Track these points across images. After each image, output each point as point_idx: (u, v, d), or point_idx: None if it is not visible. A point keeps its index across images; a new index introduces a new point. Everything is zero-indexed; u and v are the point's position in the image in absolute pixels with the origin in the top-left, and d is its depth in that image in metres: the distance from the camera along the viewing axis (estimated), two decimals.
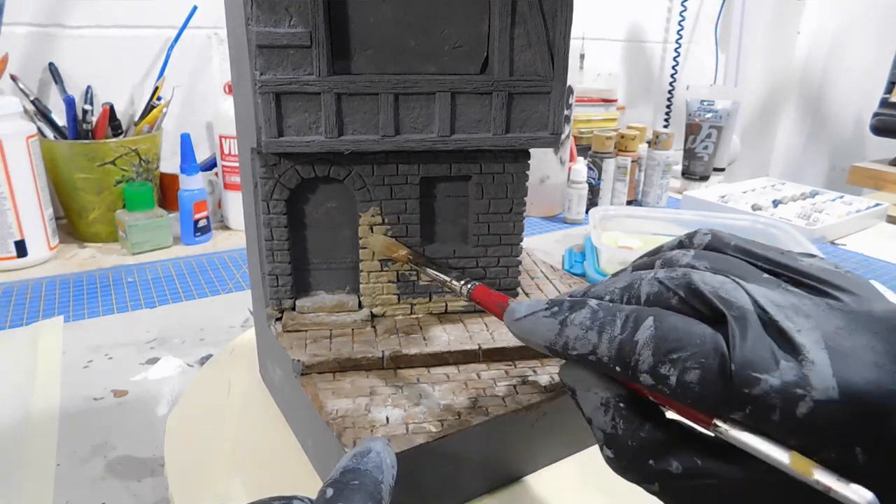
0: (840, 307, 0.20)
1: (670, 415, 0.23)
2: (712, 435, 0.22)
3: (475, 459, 0.34)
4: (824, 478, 0.18)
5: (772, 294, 0.21)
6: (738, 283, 0.21)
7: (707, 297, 0.21)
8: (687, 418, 0.21)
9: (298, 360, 0.37)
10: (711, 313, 0.21)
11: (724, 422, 0.20)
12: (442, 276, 0.36)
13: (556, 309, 0.24)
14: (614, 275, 0.26)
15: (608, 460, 0.23)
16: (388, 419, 0.33)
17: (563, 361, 0.26)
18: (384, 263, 0.41)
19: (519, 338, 0.25)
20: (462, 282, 0.34)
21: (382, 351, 0.38)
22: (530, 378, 0.38)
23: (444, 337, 0.40)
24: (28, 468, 0.39)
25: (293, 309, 0.41)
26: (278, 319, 0.41)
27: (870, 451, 0.18)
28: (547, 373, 0.38)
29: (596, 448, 0.40)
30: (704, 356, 0.20)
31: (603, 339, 0.22)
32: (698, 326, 0.20)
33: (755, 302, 0.20)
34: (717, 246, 0.25)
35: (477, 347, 0.39)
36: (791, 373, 0.18)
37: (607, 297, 0.24)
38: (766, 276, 0.22)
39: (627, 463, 0.23)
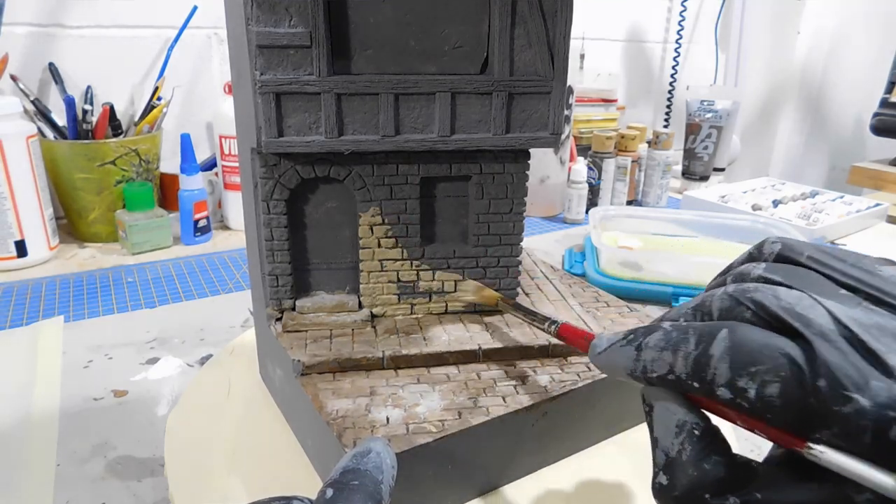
0: None
1: (737, 449, 0.22)
2: (766, 461, 0.21)
3: (475, 459, 0.34)
4: None
5: (853, 312, 0.20)
6: (815, 299, 0.20)
7: (780, 314, 0.20)
8: (771, 439, 0.21)
9: (298, 361, 0.37)
10: (787, 329, 0.20)
11: (817, 443, 0.19)
12: (529, 317, 0.38)
13: (631, 337, 0.24)
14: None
15: (659, 489, 0.22)
16: (388, 419, 0.33)
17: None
18: (384, 263, 0.41)
19: (603, 371, 0.26)
20: (546, 323, 0.36)
21: (383, 351, 0.38)
22: (530, 378, 0.38)
23: (445, 337, 0.40)
24: (28, 468, 0.39)
25: (293, 309, 0.41)
26: (278, 319, 0.41)
27: None
28: (547, 373, 0.38)
29: (596, 448, 0.40)
30: (784, 369, 0.19)
31: (678, 356, 0.22)
32: (775, 339, 0.20)
33: (837, 320, 0.20)
34: (787, 255, 0.24)
35: (477, 347, 0.39)
36: (884, 394, 0.18)
37: (681, 319, 0.24)
38: (843, 291, 0.21)
39: (681, 493, 0.22)
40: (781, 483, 0.21)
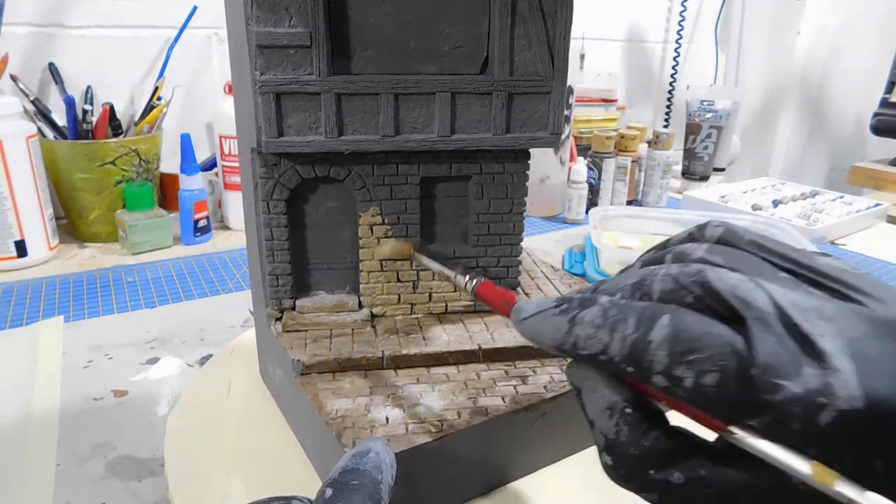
0: (865, 312, 0.19)
1: (675, 423, 0.22)
2: (716, 440, 0.21)
3: (475, 459, 0.35)
4: (847, 489, 0.17)
5: (792, 295, 0.20)
6: (756, 282, 0.20)
7: (724, 296, 0.20)
8: (698, 422, 0.21)
9: (298, 360, 0.37)
10: (728, 313, 0.20)
11: (742, 429, 0.19)
12: (446, 270, 0.35)
13: (565, 307, 0.23)
14: (623, 271, 0.25)
15: (606, 467, 0.23)
16: (387, 419, 0.33)
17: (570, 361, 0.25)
18: (384, 263, 0.41)
19: (526, 337, 0.24)
20: (467, 277, 0.32)
21: (382, 351, 0.38)
22: (530, 378, 0.38)
23: (444, 337, 0.40)
24: (28, 468, 0.39)
25: (293, 309, 0.41)
26: (278, 319, 0.41)
27: (891, 462, 0.17)
28: (547, 373, 0.38)
29: (595, 449, 0.40)
30: (723, 359, 0.19)
31: (615, 337, 0.21)
32: (717, 327, 0.20)
33: (775, 303, 0.19)
34: (729, 240, 0.23)
35: (477, 348, 0.39)
36: (814, 380, 0.18)
37: (618, 295, 0.23)
38: (782, 274, 0.21)
39: (626, 472, 0.22)
40: (726, 461, 0.20)
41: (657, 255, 0.25)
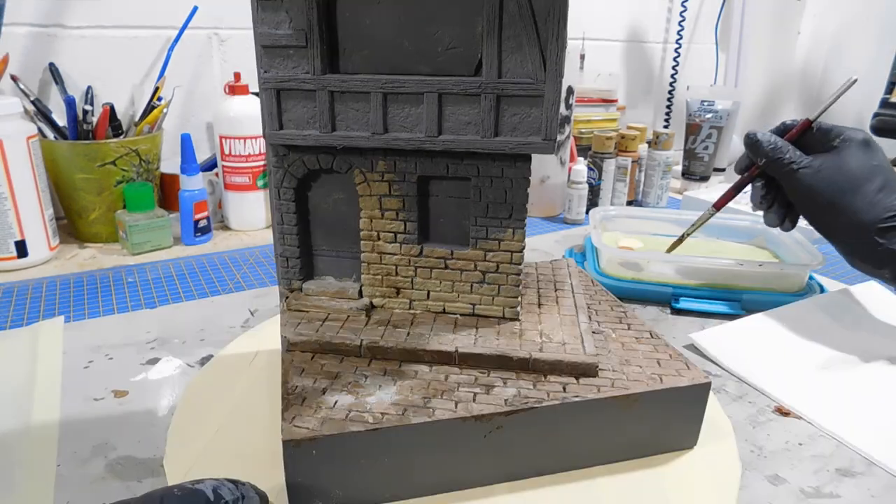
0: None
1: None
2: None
3: (417, 458, 0.35)
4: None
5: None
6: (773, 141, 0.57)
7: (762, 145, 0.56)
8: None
9: (285, 337, 0.39)
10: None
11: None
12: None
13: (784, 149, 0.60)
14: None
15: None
16: (335, 403, 0.35)
17: None
18: (383, 257, 0.42)
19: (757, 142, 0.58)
20: None
21: (361, 340, 0.39)
22: (496, 389, 0.37)
23: (427, 335, 0.40)
24: (28, 468, 0.39)
25: (300, 290, 0.43)
26: (286, 298, 0.43)
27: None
28: (516, 386, 0.37)
29: (561, 475, 0.36)
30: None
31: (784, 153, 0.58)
32: (787, 148, 0.58)
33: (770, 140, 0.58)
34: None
35: (454, 350, 0.39)
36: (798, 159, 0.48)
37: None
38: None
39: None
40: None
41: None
